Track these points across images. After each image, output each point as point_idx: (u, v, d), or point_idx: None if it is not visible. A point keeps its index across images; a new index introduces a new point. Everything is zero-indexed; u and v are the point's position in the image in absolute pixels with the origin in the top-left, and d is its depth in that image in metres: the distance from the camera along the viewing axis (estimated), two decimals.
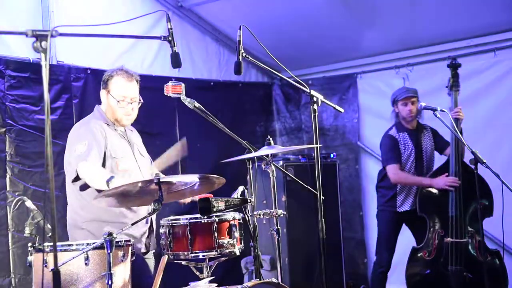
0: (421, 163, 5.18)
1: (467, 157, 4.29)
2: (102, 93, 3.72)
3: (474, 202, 4.85)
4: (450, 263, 4.79)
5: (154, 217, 3.70)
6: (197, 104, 3.41)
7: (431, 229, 4.93)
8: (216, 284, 3.22)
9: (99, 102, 3.84)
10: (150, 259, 3.76)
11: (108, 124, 3.68)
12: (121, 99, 3.65)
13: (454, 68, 4.99)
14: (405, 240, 5.33)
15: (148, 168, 3.82)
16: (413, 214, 5.10)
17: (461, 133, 4.81)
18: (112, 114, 3.68)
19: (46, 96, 2.11)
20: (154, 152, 4.04)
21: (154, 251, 3.78)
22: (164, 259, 3.32)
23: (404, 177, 5.10)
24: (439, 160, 5.29)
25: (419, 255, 4.93)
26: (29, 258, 3.00)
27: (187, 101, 3.39)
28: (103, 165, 3.55)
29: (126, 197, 3.18)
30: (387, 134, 5.27)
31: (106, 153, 3.57)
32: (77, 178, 3.52)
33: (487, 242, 5.03)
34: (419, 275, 4.95)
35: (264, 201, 4.56)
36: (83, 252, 2.87)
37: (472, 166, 4.24)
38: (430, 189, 4.98)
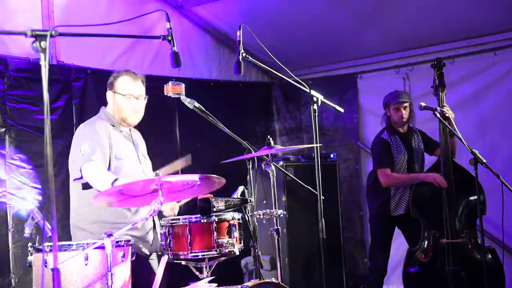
0: (413, 166, 5.16)
1: (467, 157, 4.28)
2: (108, 94, 3.72)
3: (468, 201, 4.85)
4: (447, 264, 4.78)
5: (157, 217, 3.69)
6: (197, 104, 3.41)
7: (426, 231, 4.90)
8: (216, 284, 3.22)
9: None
10: (153, 260, 3.75)
11: (113, 125, 3.68)
12: (127, 95, 3.66)
13: (439, 68, 4.93)
14: (405, 240, 5.32)
15: (150, 171, 3.83)
16: (406, 217, 5.08)
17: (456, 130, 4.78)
18: (119, 113, 3.68)
19: (46, 96, 2.11)
20: (154, 152, 4.04)
21: (157, 252, 3.77)
22: (164, 259, 3.32)
23: (395, 177, 5.08)
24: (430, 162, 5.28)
25: (415, 257, 4.91)
26: (29, 258, 3.00)
27: (187, 101, 3.39)
28: (109, 166, 3.55)
29: (127, 197, 3.18)
30: (379, 137, 5.24)
31: (110, 154, 3.56)
32: (80, 177, 3.51)
33: (486, 242, 5.02)
34: (416, 277, 4.93)
35: (264, 201, 4.56)
36: (83, 252, 2.87)
37: (472, 166, 4.23)
38: (423, 191, 4.94)
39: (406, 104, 5.16)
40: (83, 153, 3.48)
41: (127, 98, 3.65)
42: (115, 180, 3.35)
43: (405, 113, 5.15)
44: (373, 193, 5.30)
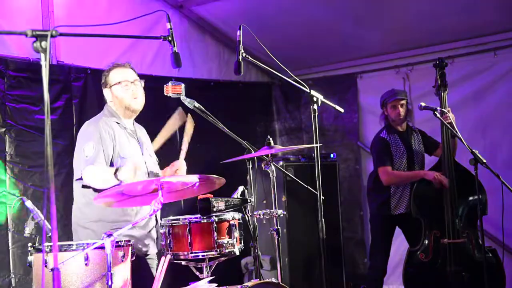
0: (412, 165, 5.15)
1: (467, 157, 4.28)
2: (105, 91, 3.72)
3: (469, 201, 4.85)
4: (448, 264, 4.78)
5: (159, 216, 3.69)
6: (197, 104, 3.41)
7: (427, 231, 4.91)
8: (216, 284, 3.22)
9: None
10: (153, 260, 3.75)
11: (118, 123, 3.68)
12: (123, 80, 3.65)
13: (441, 68, 4.92)
14: (405, 240, 5.32)
15: (155, 168, 3.82)
16: (407, 217, 5.08)
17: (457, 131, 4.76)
18: (120, 103, 3.67)
19: (46, 96, 2.11)
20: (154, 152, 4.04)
21: (157, 251, 3.78)
22: (165, 259, 3.31)
23: (396, 175, 5.08)
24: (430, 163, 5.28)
25: (416, 257, 4.91)
26: (29, 258, 3.00)
27: (187, 101, 3.39)
28: (111, 165, 3.55)
29: (127, 197, 3.18)
30: (378, 137, 5.24)
31: (114, 153, 3.57)
32: (81, 178, 3.52)
33: (486, 242, 5.03)
34: (417, 277, 4.94)
35: (264, 201, 4.56)
36: (83, 252, 2.87)
37: (472, 166, 4.23)
38: (424, 191, 4.94)
39: (403, 102, 5.16)
40: (86, 155, 3.47)
41: (124, 85, 3.65)
42: (117, 169, 3.35)
43: (402, 111, 5.15)
44: (374, 193, 5.31)
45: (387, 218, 5.18)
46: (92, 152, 3.47)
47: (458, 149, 4.99)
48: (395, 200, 5.14)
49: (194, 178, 3.19)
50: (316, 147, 3.38)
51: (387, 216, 5.17)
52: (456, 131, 4.46)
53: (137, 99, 3.69)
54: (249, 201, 3.42)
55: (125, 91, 3.66)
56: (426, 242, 4.90)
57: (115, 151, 3.57)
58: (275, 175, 3.61)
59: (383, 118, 5.28)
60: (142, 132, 3.89)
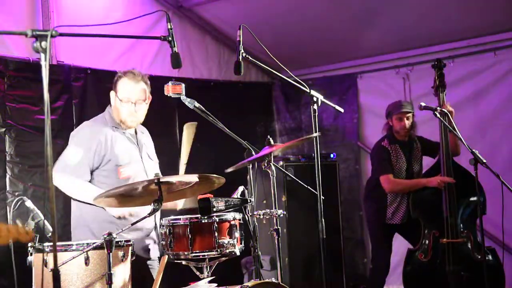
0: (412, 176, 5.16)
1: (467, 157, 4.28)
2: (111, 94, 3.73)
3: (468, 201, 4.85)
4: (447, 264, 4.78)
5: (158, 217, 3.69)
6: (197, 104, 3.41)
7: (426, 231, 4.91)
8: (216, 284, 3.22)
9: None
10: (154, 261, 3.75)
11: (116, 128, 3.68)
12: (125, 99, 3.64)
13: (439, 68, 4.92)
14: (405, 240, 5.33)
15: (155, 171, 3.82)
16: (403, 225, 5.11)
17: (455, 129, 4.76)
18: (117, 115, 3.68)
19: (46, 96, 2.11)
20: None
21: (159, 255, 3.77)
22: (164, 259, 3.32)
23: (399, 183, 5.08)
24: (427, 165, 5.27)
25: (415, 257, 4.91)
26: (29, 258, 3.01)
27: (187, 101, 3.39)
28: (97, 168, 3.60)
29: (127, 197, 3.19)
30: (379, 145, 5.24)
31: (102, 162, 3.58)
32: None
33: (486, 241, 5.02)
34: (417, 277, 4.94)
35: (264, 201, 4.55)
36: (83, 252, 2.87)
37: (472, 166, 4.23)
38: (422, 193, 4.95)
39: (409, 115, 5.16)
40: (68, 163, 3.54)
41: (125, 103, 3.64)
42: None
43: (407, 123, 5.15)
44: (370, 200, 5.33)
45: (384, 226, 5.21)
46: (73, 162, 3.53)
47: None
48: (391, 210, 5.14)
49: (194, 178, 3.18)
50: (316, 142, 3.37)
51: (383, 224, 5.19)
52: (455, 130, 4.44)
53: (134, 117, 3.68)
54: (249, 201, 3.41)
55: (124, 108, 3.65)
56: (426, 242, 4.90)
57: (106, 157, 3.57)
58: (275, 175, 3.60)
59: (387, 128, 5.27)
60: (143, 135, 3.87)
